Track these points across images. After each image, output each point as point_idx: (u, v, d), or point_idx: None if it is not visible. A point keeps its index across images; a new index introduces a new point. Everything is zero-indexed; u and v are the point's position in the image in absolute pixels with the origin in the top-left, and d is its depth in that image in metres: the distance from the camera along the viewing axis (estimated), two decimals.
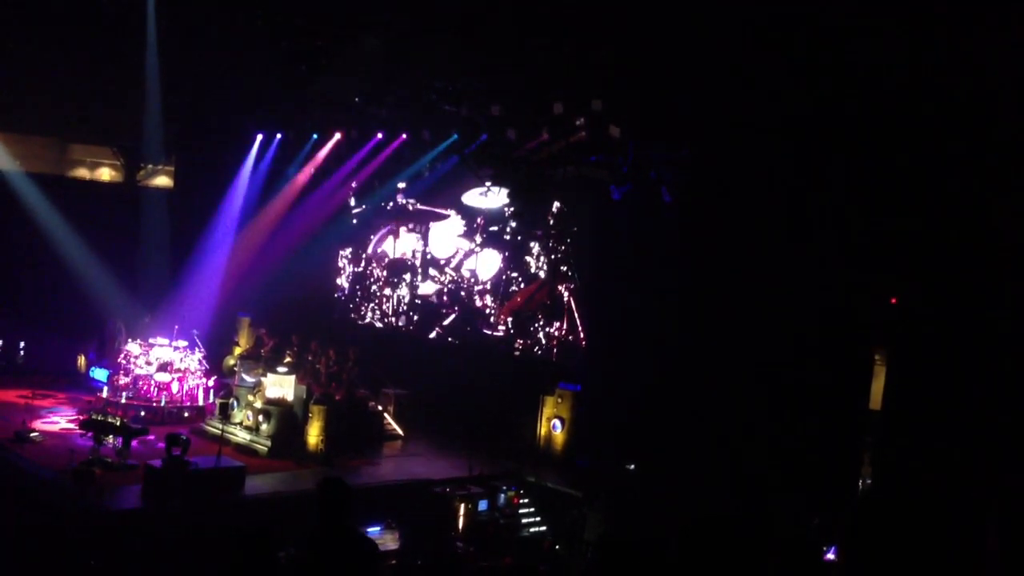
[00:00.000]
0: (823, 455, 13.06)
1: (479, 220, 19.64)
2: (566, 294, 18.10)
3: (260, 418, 15.84)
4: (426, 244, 20.90)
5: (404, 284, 21.17)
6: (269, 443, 15.57)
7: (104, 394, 17.33)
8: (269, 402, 15.83)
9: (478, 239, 19.73)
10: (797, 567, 5.26)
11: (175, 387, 17.42)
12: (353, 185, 21.59)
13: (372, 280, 21.86)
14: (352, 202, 22.00)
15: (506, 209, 19.06)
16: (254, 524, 5.91)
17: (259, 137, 21.89)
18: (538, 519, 15.06)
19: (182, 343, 18.17)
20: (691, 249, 14.86)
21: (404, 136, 19.48)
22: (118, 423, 14.40)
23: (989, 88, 10.74)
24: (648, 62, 13.60)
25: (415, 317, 20.85)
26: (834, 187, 12.76)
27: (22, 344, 19.85)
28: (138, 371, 17.43)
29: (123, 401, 16.89)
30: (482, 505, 14.36)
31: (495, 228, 19.40)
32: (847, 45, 11.47)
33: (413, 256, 21.14)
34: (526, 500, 15.23)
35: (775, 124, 12.84)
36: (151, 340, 18.08)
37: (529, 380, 17.55)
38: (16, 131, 20.89)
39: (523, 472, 15.73)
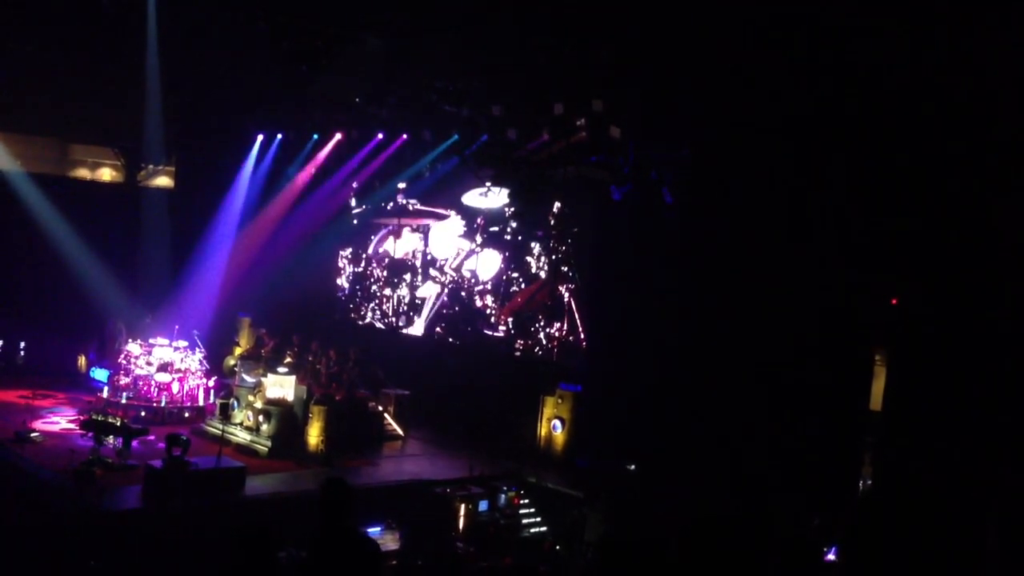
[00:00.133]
0: (823, 455, 13.05)
1: (479, 220, 19.65)
2: (566, 294, 18.10)
3: (260, 418, 15.85)
4: (427, 244, 20.90)
5: (404, 284, 21.17)
6: (269, 443, 15.57)
7: (104, 394, 17.35)
8: (269, 402, 15.83)
9: (478, 239, 19.73)
10: (797, 567, 5.26)
11: (175, 387, 17.43)
12: (354, 185, 21.60)
13: (372, 280, 21.87)
14: (353, 202, 22.01)
15: (506, 209, 19.06)
16: (254, 524, 5.90)
17: (259, 137, 21.90)
18: (538, 519, 15.06)
19: (182, 343, 18.18)
20: (691, 249, 14.86)
21: (405, 136, 19.48)
22: (118, 423, 14.40)
23: (989, 88, 10.73)
24: (649, 62, 13.60)
25: (415, 318, 20.85)
26: (834, 187, 12.76)
27: (22, 344, 19.87)
28: (138, 371, 17.44)
29: (123, 401, 16.90)
30: (482, 505, 14.35)
31: (495, 228, 19.40)
32: (847, 45, 11.46)
33: (413, 256, 21.15)
34: (526, 500, 15.22)
35: (775, 124, 12.84)
36: (151, 340, 18.09)
37: (529, 380, 17.55)
38: (17, 131, 20.88)
39: (523, 472, 15.73)
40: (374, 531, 12.76)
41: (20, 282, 20.04)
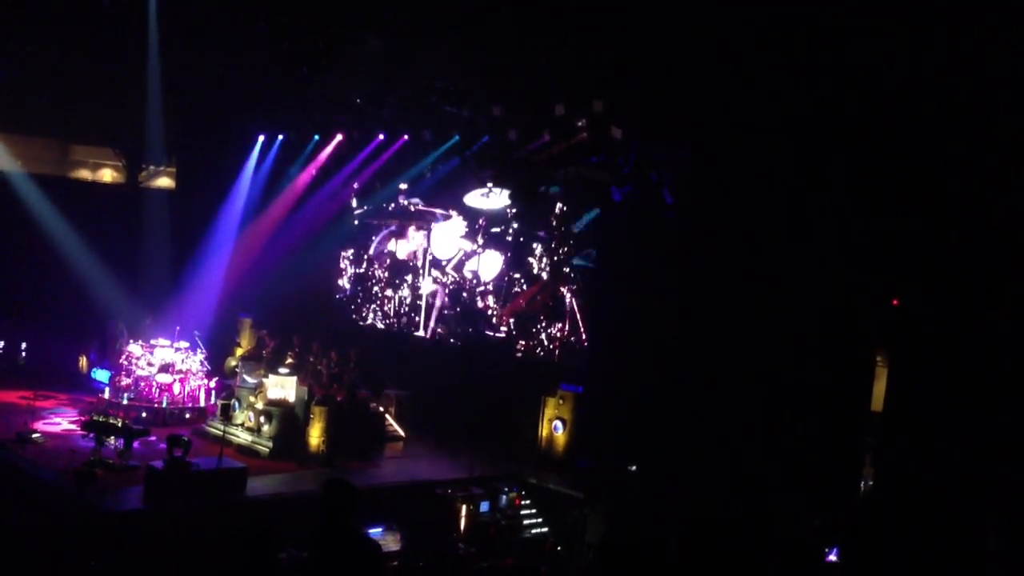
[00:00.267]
0: (824, 456, 13.04)
1: (481, 221, 19.65)
2: (568, 295, 18.11)
3: (262, 419, 15.85)
4: (428, 245, 20.90)
5: (406, 285, 21.18)
6: (270, 444, 15.57)
7: (106, 395, 17.35)
8: (271, 403, 15.83)
9: (480, 240, 19.74)
10: (798, 568, 5.26)
11: (177, 388, 17.44)
12: (355, 186, 21.61)
13: (374, 281, 21.87)
14: (354, 203, 22.02)
15: (508, 210, 19.07)
16: (255, 525, 5.90)
17: (261, 138, 21.91)
18: (539, 520, 15.07)
19: (184, 344, 18.18)
20: (692, 249, 14.85)
21: (405, 137, 19.49)
22: (120, 424, 14.41)
23: (989, 88, 10.73)
24: (649, 62, 13.60)
25: (416, 318, 20.86)
26: (834, 187, 12.75)
27: (24, 345, 19.88)
28: (140, 372, 17.44)
29: (124, 402, 16.91)
30: (483, 506, 14.36)
31: (497, 229, 19.41)
32: (848, 45, 11.46)
33: (415, 257, 21.15)
34: (527, 501, 15.23)
35: (775, 124, 12.83)
36: (153, 341, 18.10)
37: (531, 381, 17.55)
38: (18, 132, 20.89)
39: (524, 473, 15.73)
40: (375, 532, 12.75)
41: (21, 283, 20.05)
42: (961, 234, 11.57)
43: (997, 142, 11.00)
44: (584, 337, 17.73)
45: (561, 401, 16.79)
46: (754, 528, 4.40)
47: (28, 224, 19.73)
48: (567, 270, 18.19)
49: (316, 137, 21.21)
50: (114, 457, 13.95)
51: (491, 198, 19.34)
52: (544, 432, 16.93)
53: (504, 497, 14.80)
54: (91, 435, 14.14)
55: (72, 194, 21.13)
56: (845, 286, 12.96)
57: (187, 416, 17.27)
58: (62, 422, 16.38)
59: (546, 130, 16.57)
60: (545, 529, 14.89)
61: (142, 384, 17.30)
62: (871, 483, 12.93)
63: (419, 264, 21.03)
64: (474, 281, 19.83)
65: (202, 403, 17.61)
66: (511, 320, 18.96)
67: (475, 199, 19.75)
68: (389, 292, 21.53)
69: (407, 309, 21.13)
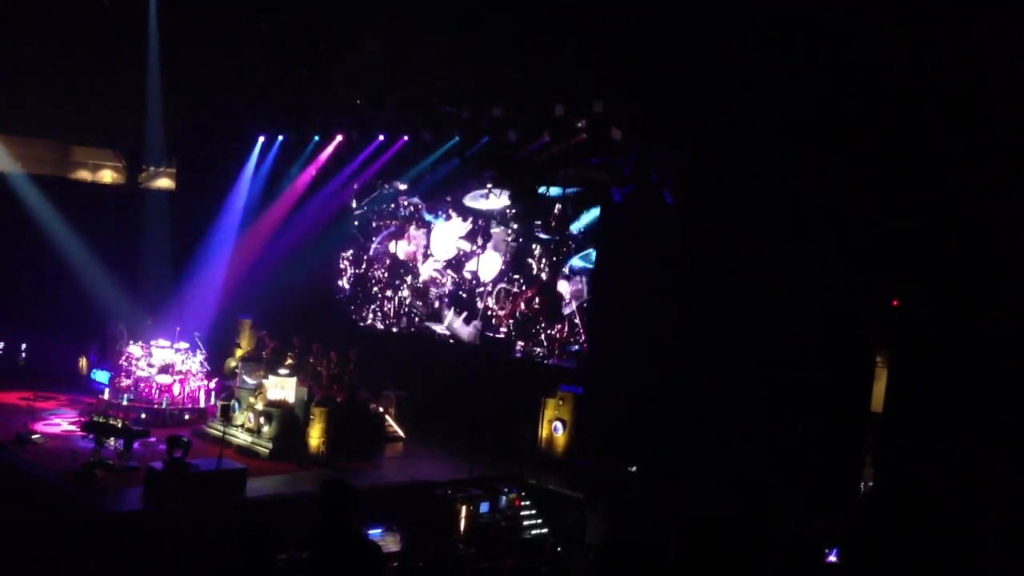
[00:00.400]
0: (824, 456, 13.04)
1: (480, 222, 19.65)
2: (567, 296, 18.10)
3: (261, 420, 15.85)
4: (428, 246, 20.91)
5: (405, 286, 21.18)
6: (270, 445, 15.57)
7: (105, 396, 17.35)
8: (270, 404, 15.83)
9: (479, 241, 19.74)
10: (798, 568, 5.25)
11: (176, 389, 17.44)
12: (354, 187, 21.61)
13: (373, 282, 21.88)
14: (353, 204, 22.02)
15: (507, 211, 19.08)
16: (255, 526, 5.90)
17: (261, 139, 21.90)
18: (539, 521, 15.05)
19: (183, 345, 18.18)
20: (692, 250, 14.85)
21: (405, 138, 19.48)
22: (119, 425, 14.41)
23: (989, 88, 10.73)
24: (649, 63, 13.60)
25: (416, 319, 20.86)
26: (834, 187, 12.75)
27: (24, 346, 19.88)
28: (139, 373, 17.45)
29: (124, 403, 16.91)
30: (483, 507, 14.36)
31: (497, 230, 19.41)
32: (847, 45, 11.46)
33: (414, 258, 21.15)
34: (527, 502, 15.22)
35: (775, 124, 12.83)
36: (152, 342, 18.09)
37: (530, 382, 17.54)
38: (18, 133, 20.89)
39: (524, 474, 15.72)
40: (375, 533, 12.75)
41: (21, 284, 20.04)
42: (961, 234, 11.58)
43: (997, 142, 11.01)
44: (584, 337, 17.73)
45: (561, 402, 16.78)
46: (754, 528, 4.39)
47: (28, 225, 19.72)
48: (567, 271, 18.18)
49: (316, 138, 21.20)
50: (114, 458, 13.95)
51: (491, 199, 19.34)
52: (544, 433, 16.93)
53: (504, 498, 14.80)
54: (91, 436, 14.14)
55: (72, 195, 21.13)
56: (845, 286, 12.96)
57: (186, 417, 17.27)
58: (62, 423, 16.37)
59: (546, 131, 16.55)
60: (545, 530, 14.88)
61: (142, 385, 17.30)
62: (871, 483, 12.93)
63: (419, 265, 21.03)
64: (473, 282, 19.83)
65: (202, 404, 17.61)
66: (511, 321, 18.96)
67: (475, 200, 19.76)
68: (389, 293, 21.53)
69: (407, 309, 21.12)
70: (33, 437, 14.99)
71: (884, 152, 12.11)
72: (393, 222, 21.57)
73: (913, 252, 12.16)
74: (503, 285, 19.25)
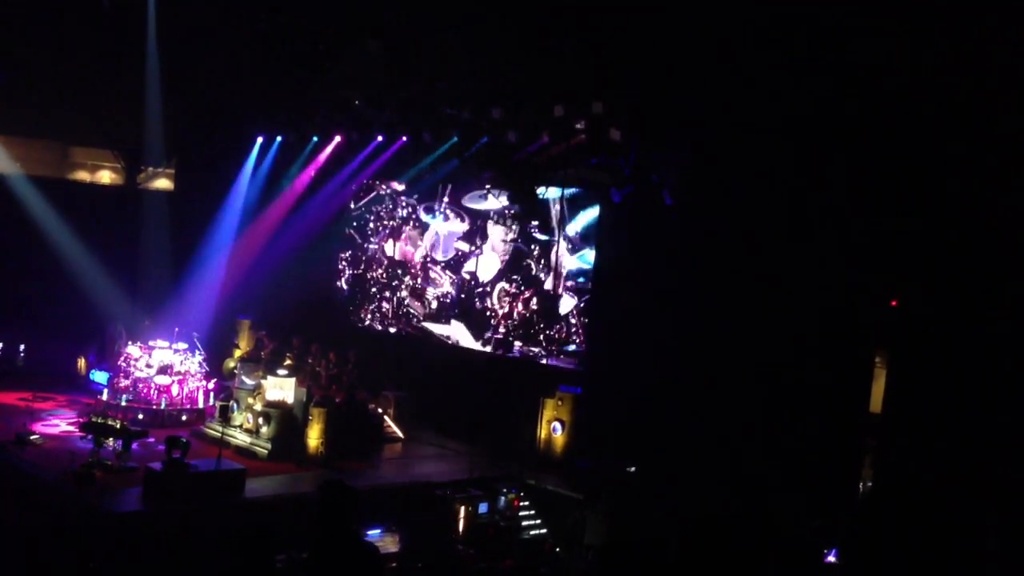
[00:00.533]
0: (823, 457, 13.04)
1: (479, 222, 19.65)
2: (566, 296, 18.09)
3: (260, 421, 15.83)
4: (426, 247, 20.90)
5: (404, 287, 21.17)
6: (269, 446, 15.54)
7: (104, 397, 17.30)
8: (269, 405, 15.81)
9: (478, 241, 19.73)
10: (797, 568, 5.24)
11: (175, 390, 17.40)
12: (353, 188, 21.60)
13: (372, 283, 21.87)
14: (352, 204, 22.01)
15: (506, 211, 19.07)
16: (254, 527, 5.88)
17: (259, 140, 21.89)
18: (538, 521, 15.04)
19: (182, 345, 18.15)
20: (692, 250, 14.85)
21: (404, 138, 19.48)
22: (118, 426, 14.38)
23: (989, 88, 10.73)
24: (649, 63, 13.59)
25: (415, 320, 20.85)
26: (834, 187, 12.75)
27: (22, 347, 19.84)
28: (138, 374, 17.41)
29: (123, 404, 16.86)
30: (482, 507, 14.34)
31: (495, 230, 19.40)
32: (847, 45, 11.46)
33: (413, 259, 21.14)
34: (526, 502, 15.21)
35: (775, 124, 12.83)
36: (151, 343, 18.06)
37: (529, 382, 17.53)
38: (17, 134, 20.88)
39: (523, 474, 15.70)
40: (374, 533, 12.75)
41: (20, 285, 20.01)
42: (961, 234, 11.57)
43: (997, 142, 11.00)
44: (583, 338, 17.72)
45: (560, 402, 16.77)
46: (754, 528, 4.38)
47: (27, 226, 19.70)
48: (566, 272, 18.17)
49: (315, 138, 21.19)
50: (113, 459, 13.92)
51: (490, 199, 19.34)
52: (543, 433, 16.91)
53: (503, 498, 14.78)
54: (90, 437, 14.10)
55: (71, 196, 21.10)
56: (845, 286, 12.96)
57: (185, 418, 17.23)
58: (61, 424, 16.35)
59: (545, 131, 16.54)
60: (544, 530, 14.87)
61: (141, 386, 17.27)
62: (870, 483, 12.93)
63: (417, 266, 21.02)
64: (472, 282, 19.82)
65: (201, 405, 17.57)
66: (510, 321, 18.95)
67: (474, 200, 19.75)
68: (387, 293, 21.52)
69: (405, 310, 21.12)
70: (32, 438, 14.96)
71: (884, 152, 12.11)
72: (391, 223, 21.57)
73: (913, 252, 12.16)
74: (502, 285, 19.24)
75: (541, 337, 18.41)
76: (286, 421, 15.71)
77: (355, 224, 22.15)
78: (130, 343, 18.18)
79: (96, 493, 12.82)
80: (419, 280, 20.94)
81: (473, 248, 19.88)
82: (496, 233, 19.44)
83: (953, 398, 11.41)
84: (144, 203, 22.07)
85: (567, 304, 18.08)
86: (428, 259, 20.83)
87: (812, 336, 13.12)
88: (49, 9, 17.13)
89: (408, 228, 21.29)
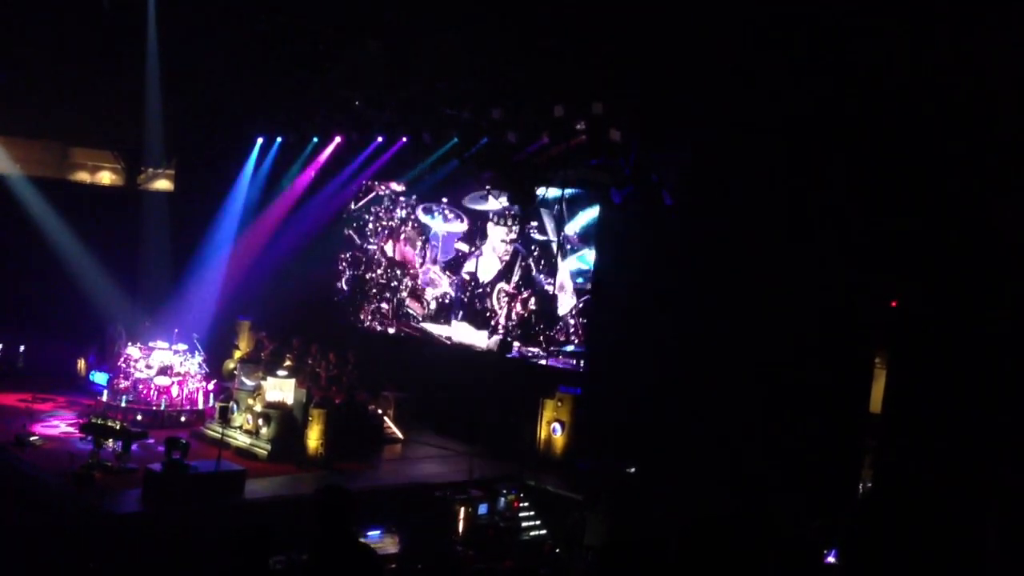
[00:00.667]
0: (823, 457, 13.03)
1: (479, 223, 19.64)
2: (566, 297, 18.08)
3: (260, 422, 15.82)
4: (426, 247, 20.90)
5: (403, 287, 21.17)
6: (269, 447, 15.54)
7: (104, 398, 17.30)
8: (269, 406, 15.80)
9: (478, 242, 19.73)
10: (797, 568, 5.23)
11: (175, 391, 17.40)
12: (353, 188, 21.60)
13: (372, 283, 21.86)
14: (352, 205, 22.00)
15: (506, 212, 19.07)
16: (253, 527, 5.87)
17: (259, 140, 21.89)
18: (538, 522, 15.03)
19: (182, 346, 18.15)
20: (692, 250, 14.84)
21: (404, 139, 19.48)
22: (118, 427, 14.38)
23: (989, 88, 10.72)
24: (649, 63, 13.59)
25: (415, 320, 20.85)
26: (834, 187, 12.74)
27: (22, 348, 19.84)
28: (138, 375, 17.41)
29: (123, 405, 16.86)
30: (482, 508, 14.33)
31: (495, 231, 19.40)
32: (847, 45, 11.46)
33: (412, 259, 21.14)
34: (526, 503, 15.20)
35: (775, 124, 12.82)
36: (151, 344, 18.06)
37: (529, 383, 17.52)
38: (17, 135, 20.89)
39: (523, 475, 15.70)
40: (373, 534, 12.74)
41: (20, 286, 20.02)
42: (961, 234, 11.56)
43: (997, 142, 10.99)
44: (583, 338, 17.71)
45: (560, 403, 16.77)
46: (754, 528, 4.36)
47: (27, 226, 19.70)
48: (566, 272, 18.16)
49: (315, 139, 21.19)
50: (112, 460, 13.92)
51: (490, 200, 19.34)
52: (543, 434, 16.91)
53: (503, 499, 14.77)
54: (89, 438, 14.11)
55: (71, 197, 21.10)
56: (845, 286, 12.95)
57: (185, 419, 17.22)
58: (60, 425, 16.34)
59: (545, 132, 16.53)
60: (544, 531, 14.86)
61: (140, 387, 17.26)
62: (870, 483, 12.92)
63: (417, 266, 21.02)
64: (472, 283, 19.81)
65: (200, 406, 17.57)
66: (510, 322, 18.94)
67: (474, 201, 19.75)
68: (387, 294, 21.51)
69: (405, 310, 21.11)
70: (32, 439, 14.96)
71: (884, 152, 12.10)
72: (391, 223, 21.56)
73: (913, 252, 12.15)
74: (502, 286, 19.23)
75: (541, 338, 18.40)
76: (286, 422, 15.70)
77: (355, 225, 22.15)
78: (130, 344, 18.18)
79: (96, 494, 12.82)
80: (419, 281, 20.93)
81: (473, 249, 19.88)
82: (496, 234, 19.44)
83: (953, 398, 11.40)
84: (144, 204, 22.08)
85: (566, 304, 18.08)
86: (427, 260, 20.83)
87: (812, 336, 13.11)
88: (49, 9, 17.12)
89: (407, 229, 21.28)
